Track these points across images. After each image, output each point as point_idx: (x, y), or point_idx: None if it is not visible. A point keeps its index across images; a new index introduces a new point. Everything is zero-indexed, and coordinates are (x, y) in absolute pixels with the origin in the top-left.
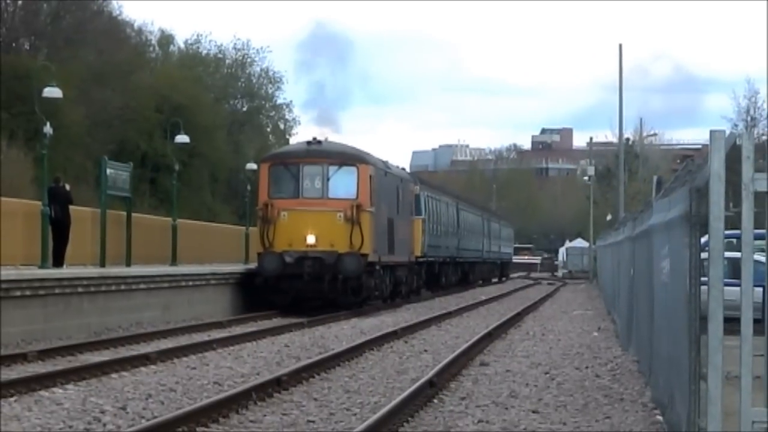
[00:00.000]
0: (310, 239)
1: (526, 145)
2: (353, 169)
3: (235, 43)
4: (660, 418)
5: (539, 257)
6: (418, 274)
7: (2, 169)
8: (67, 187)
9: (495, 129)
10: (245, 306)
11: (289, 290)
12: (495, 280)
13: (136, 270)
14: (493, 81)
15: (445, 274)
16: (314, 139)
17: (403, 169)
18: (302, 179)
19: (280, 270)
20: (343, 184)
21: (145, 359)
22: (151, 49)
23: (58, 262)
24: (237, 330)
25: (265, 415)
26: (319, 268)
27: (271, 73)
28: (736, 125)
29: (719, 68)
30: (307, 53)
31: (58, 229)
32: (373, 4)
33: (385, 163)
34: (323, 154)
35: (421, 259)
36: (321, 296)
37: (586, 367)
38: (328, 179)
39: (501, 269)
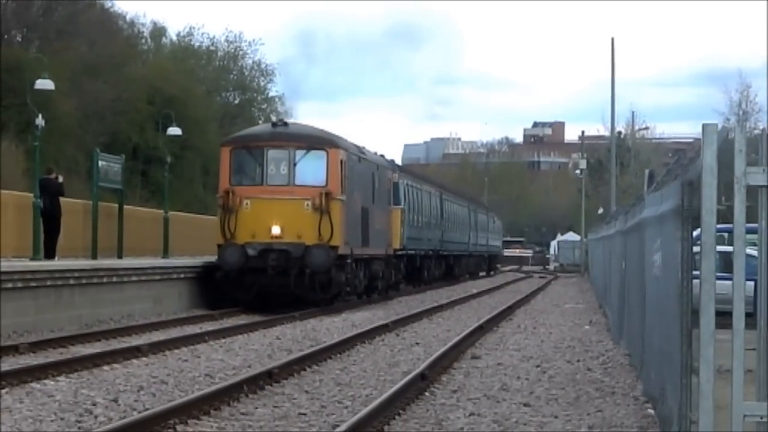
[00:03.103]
0: (275, 230)
1: (518, 138)
2: (322, 153)
3: (227, 36)
4: (651, 411)
5: (531, 250)
6: (397, 268)
7: None
8: (60, 178)
9: (487, 122)
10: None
11: (252, 285)
12: (482, 274)
13: (127, 262)
14: (486, 75)
15: (428, 268)
16: (280, 120)
17: (382, 156)
18: (266, 164)
19: (242, 263)
20: (312, 169)
21: (136, 351)
22: (144, 41)
23: (50, 254)
24: (229, 322)
25: (256, 408)
26: (285, 261)
27: (263, 66)
28: (728, 119)
29: (711, 62)
30: (298, 46)
31: (49, 220)
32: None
33: (360, 147)
34: (290, 137)
35: (400, 252)
36: (287, 292)
37: (578, 361)
38: (294, 164)
39: (489, 263)
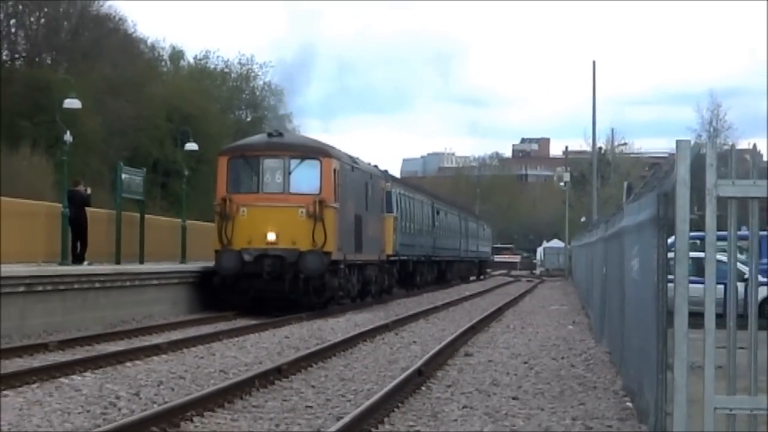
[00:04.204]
0: (271, 236)
1: (507, 153)
2: (316, 162)
3: (240, 59)
4: (630, 404)
5: (519, 256)
6: (390, 273)
7: (26, 175)
8: (88, 190)
9: (479, 138)
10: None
11: (248, 290)
12: (473, 278)
13: (148, 267)
14: (478, 94)
15: (421, 272)
16: (275, 131)
17: (376, 166)
18: (262, 173)
19: (238, 269)
20: (306, 178)
21: (156, 349)
22: (163, 63)
23: (78, 259)
24: (241, 322)
25: (267, 401)
26: (280, 266)
27: (272, 87)
28: (700, 135)
29: (685, 83)
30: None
31: (75, 229)
32: (368, 24)
33: (353, 158)
34: (284, 146)
35: (393, 258)
36: (281, 296)
37: (562, 358)
38: (289, 173)
39: (479, 267)
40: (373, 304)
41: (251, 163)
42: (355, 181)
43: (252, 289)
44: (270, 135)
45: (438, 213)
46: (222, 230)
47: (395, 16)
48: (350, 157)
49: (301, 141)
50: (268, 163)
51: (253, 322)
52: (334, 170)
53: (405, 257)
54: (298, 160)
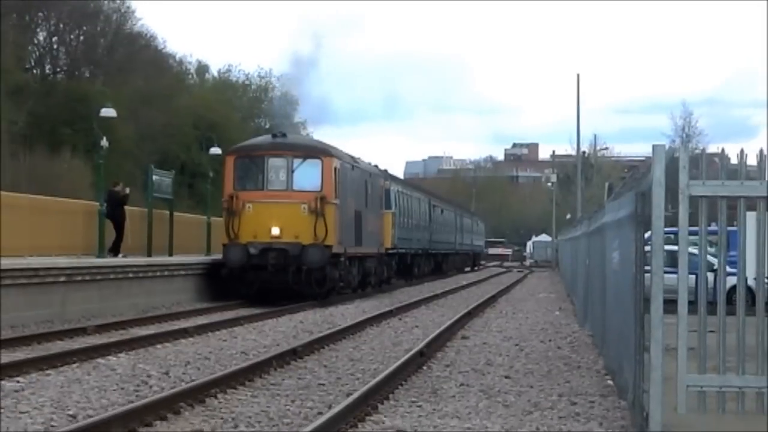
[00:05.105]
0: (275, 231)
1: (500, 156)
2: (317, 161)
3: (259, 72)
4: (611, 382)
5: (511, 249)
6: (389, 265)
7: (66, 176)
8: (127, 190)
9: (475, 143)
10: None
11: (253, 281)
12: (468, 269)
13: (176, 259)
14: (475, 104)
15: (418, 264)
16: (280, 132)
17: (376, 166)
18: (267, 171)
19: (244, 261)
20: (308, 176)
21: (184, 332)
22: (190, 76)
23: (115, 252)
24: (260, 309)
25: (283, 379)
26: (284, 259)
27: (288, 97)
28: (673, 141)
29: (661, 94)
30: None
31: (114, 224)
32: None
33: (353, 157)
34: (288, 146)
35: (391, 251)
36: (285, 287)
37: (550, 341)
38: (292, 171)
39: (473, 259)
40: (378, 292)
41: (257, 162)
42: (355, 179)
43: (257, 281)
44: (274, 136)
45: (434, 209)
46: (229, 225)
47: (399, 35)
48: (351, 156)
49: (303, 141)
50: (273, 162)
51: (271, 309)
52: (335, 169)
53: (403, 250)
54: (300, 159)
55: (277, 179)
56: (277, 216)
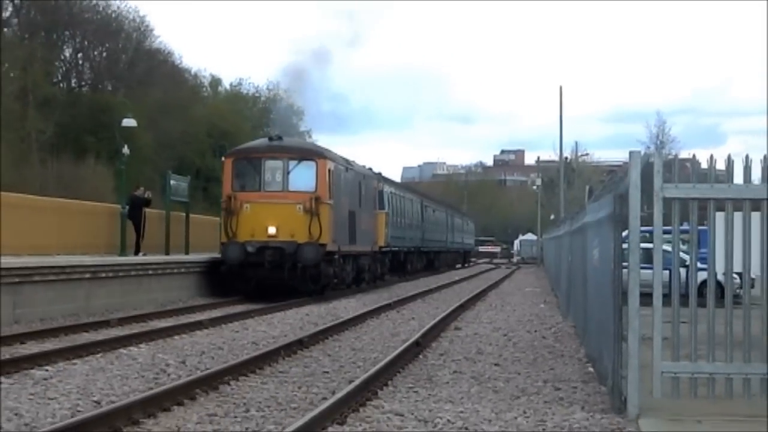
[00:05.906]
0: (271, 230)
1: (489, 162)
2: (312, 163)
3: (268, 85)
4: (591, 369)
5: (499, 247)
6: (382, 262)
7: (90, 181)
8: (148, 194)
9: (467, 149)
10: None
11: (251, 278)
12: (458, 266)
13: (192, 257)
14: (466, 113)
15: (411, 261)
16: (276, 135)
17: (370, 169)
18: (264, 173)
19: (242, 259)
20: (303, 177)
21: (199, 324)
22: (204, 89)
23: (136, 250)
24: (269, 303)
25: (291, 368)
26: (280, 257)
27: (295, 108)
28: (648, 147)
29: (637, 104)
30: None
31: (134, 226)
32: (375, 50)
33: (347, 160)
34: (284, 149)
35: (385, 249)
36: (281, 283)
37: (535, 331)
38: (288, 173)
39: (464, 257)
40: (375, 288)
41: (254, 164)
42: (348, 180)
43: (255, 277)
44: (271, 139)
45: (426, 210)
46: (227, 224)
47: (396, 51)
48: (345, 159)
49: (298, 144)
50: (269, 164)
51: (279, 303)
52: (329, 170)
53: (396, 248)
54: (296, 161)
55: (273, 180)
56: (273, 216)
